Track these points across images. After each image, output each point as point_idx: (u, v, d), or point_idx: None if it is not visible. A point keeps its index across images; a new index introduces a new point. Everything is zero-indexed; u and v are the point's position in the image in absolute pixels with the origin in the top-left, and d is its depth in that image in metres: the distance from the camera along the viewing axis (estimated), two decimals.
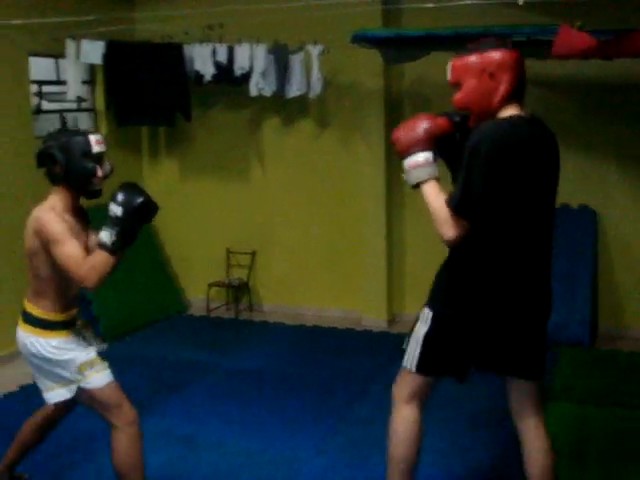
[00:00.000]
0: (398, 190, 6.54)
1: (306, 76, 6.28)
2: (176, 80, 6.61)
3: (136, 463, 3.32)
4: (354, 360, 5.75)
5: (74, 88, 6.39)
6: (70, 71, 6.34)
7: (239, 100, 6.76)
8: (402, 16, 6.18)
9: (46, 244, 3.12)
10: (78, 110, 7.04)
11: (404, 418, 3.02)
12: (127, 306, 6.69)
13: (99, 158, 3.22)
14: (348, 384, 5.24)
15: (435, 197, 2.82)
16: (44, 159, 3.19)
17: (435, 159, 2.87)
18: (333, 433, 4.44)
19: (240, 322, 6.91)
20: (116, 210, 3.08)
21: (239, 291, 7.18)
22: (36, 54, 6.28)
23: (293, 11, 5.70)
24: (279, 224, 7.03)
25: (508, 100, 2.76)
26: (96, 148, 3.18)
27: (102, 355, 3.35)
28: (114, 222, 3.08)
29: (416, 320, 3.01)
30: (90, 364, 3.28)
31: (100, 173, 3.21)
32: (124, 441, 3.29)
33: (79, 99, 6.80)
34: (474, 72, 2.75)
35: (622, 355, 5.70)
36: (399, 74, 6.43)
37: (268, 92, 6.34)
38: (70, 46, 6.22)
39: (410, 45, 5.33)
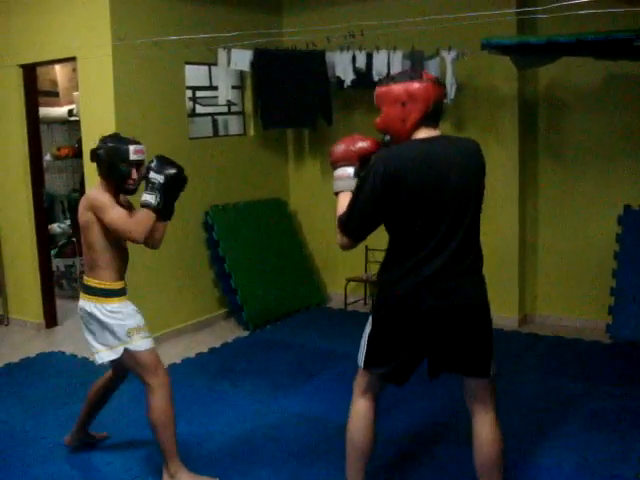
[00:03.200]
0: (532, 192, 6.67)
1: (441, 81, 6.48)
2: (318, 85, 6.96)
3: (168, 419, 3.82)
4: None
5: (225, 93, 6.81)
6: (221, 77, 6.76)
7: None
8: (537, 24, 6.27)
9: (97, 213, 3.69)
10: (228, 113, 7.51)
11: (357, 410, 3.36)
12: (270, 297, 7.10)
13: (137, 164, 3.80)
14: None
15: (341, 208, 3.19)
16: (94, 157, 3.82)
17: (356, 175, 3.24)
18: (454, 423, 4.67)
19: None
20: (158, 177, 3.74)
21: (376, 287, 7.44)
22: (191, 62, 6.76)
23: (429, 22, 5.95)
24: None
25: (419, 125, 3.08)
26: (133, 157, 3.77)
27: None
28: (156, 187, 3.74)
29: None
30: (137, 329, 3.81)
31: (135, 175, 3.79)
32: (158, 399, 3.79)
33: (229, 103, 7.24)
34: (390, 100, 3.10)
35: None
36: (533, 78, 6.51)
37: None
38: (221, 54, 6.66)
39: (536, 52, 5.45)
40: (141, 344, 3.81)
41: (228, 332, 6.72)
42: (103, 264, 3.80)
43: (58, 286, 7.92)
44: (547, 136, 6.60)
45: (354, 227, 3.12)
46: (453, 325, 3.14)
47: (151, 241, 3.96)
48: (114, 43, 5.89)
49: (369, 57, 6.59)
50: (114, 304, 3.81)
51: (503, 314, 6.72)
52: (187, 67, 6.71)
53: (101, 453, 4.38)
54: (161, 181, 3.74)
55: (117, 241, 3.83)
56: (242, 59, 6.73)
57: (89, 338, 3.90)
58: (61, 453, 4.37)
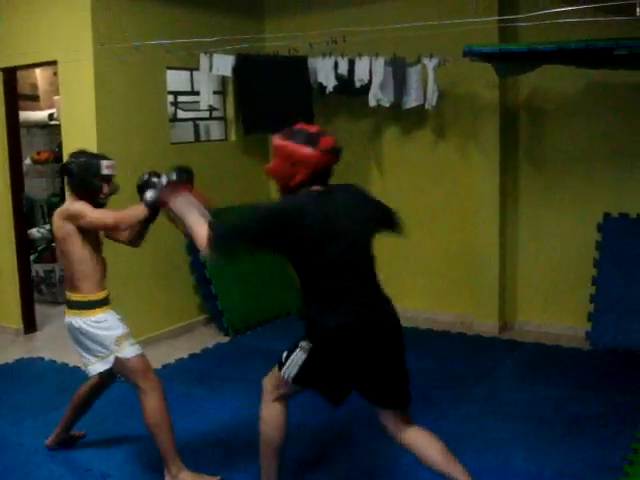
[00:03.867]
0: (512, 199, 6.69)
1: (423, 88, 6.51)
2: (300, 91, 6.94)
3: (163, 420, 3.87)
4: (462, 362, 5.96)
5: (207, 98, 6.80)
6: (203, 82, 6.74)
7: (359, 110, 7.06)
8: (518, 32, 6.30)
9: (75, 221, 3.76)
10: (210, 119, 7.50)
11: (271, 413, 3.50)
12: (250, 303, 7.08)
13: (107, 179, 3.91)
14: (454, 384, 5.44)
15: (198, 229, 3.26)
16: (65, 172, 3.93)
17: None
18: (435, 428, 4.67)
19: None
20: (162, 180, 3.80)
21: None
22: (173, 67, 6.74)
23: (411, 29, 5.97)
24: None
25: (304, 185, 3.22)
26: (105, 171, 3.88)
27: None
28: (157, 187, 3.78)
29: (301, 339, 3.38)
30: (125, 336, 3.88)
31: (106, 190, 3.91)
32: (152, 402, 3.85)
33: (211, 108, 7.24)
34: (282, 156, 3.25)
35: None
36: (514, 85, 6.54)
37: (386, 103, 6.60)
38: (203, 59, 6.65)
39: (517, 60, 5.49)
40: (130, 351, 3.88)
41: (208, 338, 6.70)
42: (83, 276, 3.85)
43: (37, 291, 7.86)
44: (528, 144, 6.63)
45: (231, 246, 3.25)
46: (393, 340, 3.34)
47: (135, 238, 4.11)
48: (95, 47, 5.86)
49: (351, 63, 6.61)
50: (99, 315, 3.86)
51: (483, 321, 6.75)
52: (169, 72, 6.70)
53: (80, 457, 4.36)
54: (163, 183, 3.77)
55: (95, 251, 3.90)
56: (224, 64, 6.73)
57: (80, 351, 3.94)
58: (40, 459, 4.34)
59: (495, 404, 5.02)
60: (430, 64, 6.38)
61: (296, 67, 6.90)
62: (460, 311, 7.03)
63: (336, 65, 6.67)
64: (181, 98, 7.31)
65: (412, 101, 6.59)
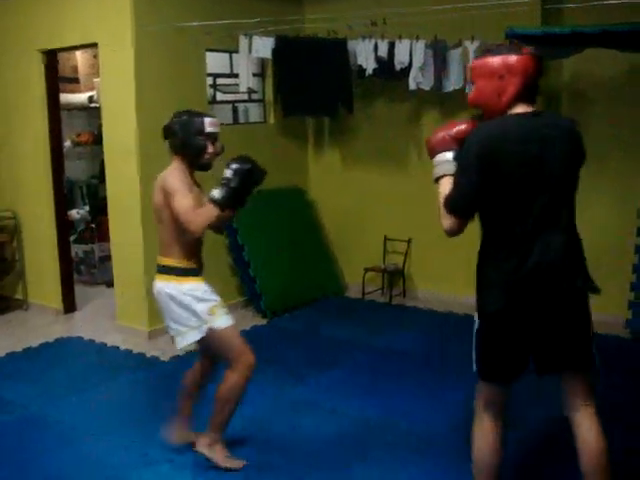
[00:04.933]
0: None
1: (463, 71, 6.44)
2: (340, 74, 6.92)
3: (235, 397, 3.80)
4: None
5: (246, 80, 6.80)
6: (242, 65, 6.75)
7: (399, 94, 7.00)
8: (562, 14, 6.22)
9: (167, 196, 3.66)
10: (249, 101, 7.50)
11: (479, 427, 3.14)
12: (288, 285, 7.09)
13: (212, 137, 3.78)
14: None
15: (444, 191, 3.07)
16: (167, 132, 3.83)
17: (456, 158, 3.07)
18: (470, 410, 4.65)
19: (392, 307, 7.16)
20: (227, 174, 3.64)
21: (394, 277, 7.45)
22: (212, 49, 6.75)
23: (453, 11, 5.91)
24: (435, 214, 7.22)
25: (516, 100, 2.94)
26: (209, 128, 3.75)
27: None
28: (224, 183, 3.63)
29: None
30: (220, 305, 3.79)
31: (211, 149, 3.78)
32: (236, 376, 3.75)
33: (250, 91, 7.23)
34: (486, 73, 2.96)
35: None
36: (557, 69, 6.45)
37: (426, 86, 6.55)
38: (243, 42, 6.66)
39: (560, 43, 5.39)
40: (225, 320, 3.79)
41: (246, 320, 6.72)
42: (177, 243, 3.75)
43: (77, 272, 7.94)
44: None
45: (460, 205, 2.98)
46: (560, 309, 3.02)
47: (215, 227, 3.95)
48: (135, 29, 5.88)
49: (391, 46, 6.56)
50: (192, 283, 3.78)
51: None
52: (208, 54, 6.70)
53: (121, 436, 4.40)
54: (229, 176, 3.63)
55: None
56: (263, 47, 6.72)
57: (169, 321, 3.84)
58: (79, 437, 4.40)
59: (535, 392, 4.98)
60: (471, 47, 6.29)
61: (335, 50, 6.87)
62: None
63: (376, 48, 6.63)
64: (220, 80, 7.32)
65: (452, 85, 6.52)
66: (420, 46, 6.44)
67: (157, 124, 6.09)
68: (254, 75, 7.04)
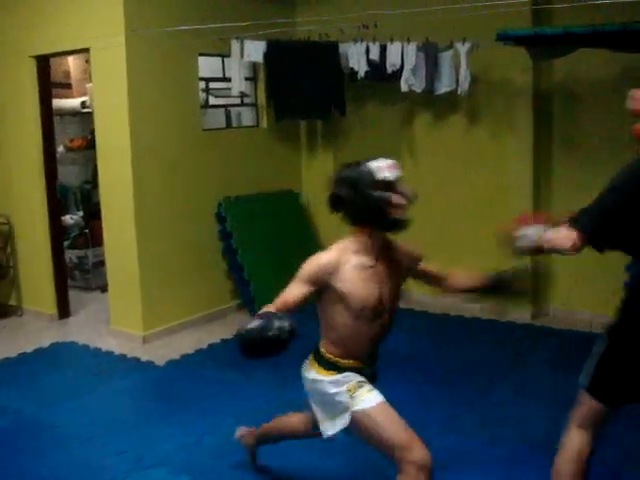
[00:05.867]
0: (545, 183, 6.63)
1: (455, 73, 6.46)
2: (332, 77, 6.94)
3: None
4: (493, 349, 5.93)
5: (238, 84, 6.80)
6: (234, 69, 6.75)
7: (391, 96, 7.02)
8: (553, 15, 6.24)
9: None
10: (241, 105, 7.50)
11: (570, 440, 2.92)
12: (283, 288, 7.05)
13: (393, 185, 2.97)
14: (484, 371, 5.42)
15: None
16: (336, 202, 3.07)
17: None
18: (465, 413, 4.67)
19: None
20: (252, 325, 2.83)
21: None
22: (204, 54, 6.75)
23: (444, 12, 5.93)
24: (428, 216, 7.23)
25: None
26: (384, 174, 2.98)
27: None
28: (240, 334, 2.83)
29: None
30: (359, 385, 3.02)
31: (396, 200, 2.93)
32: None
33: (242, 95, 7.22)
34: None
35: None
36: (548, 70, 6.47)
37: (418, 88, 6.56)
38: (235, 46, 6.66)
39: (552, 43, 5.42)
40: (370, 398, 2.98)
41: (241, 323, 6.71)
42: (333, 334, 3.12)
43: (70, 277, 7.93)
44: (562, 128, 6.56)
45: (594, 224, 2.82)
46: None
47: None
48: (127, 34, 5.89)
49: (383, 49, 6.58)
50: (333, 377, 3.07)
51: (515, 307, 6.68)
52: (200, 58, 6.70)
53: (115, 440, 4.40)
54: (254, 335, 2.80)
55: (360, 318, 3.00)
56: (255, 50, 6.73)
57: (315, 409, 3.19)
58: (73, 442, 4.39)
59: (527, 391, 4.99)
60: (463, 49, 6.32)
61: (327, 53, 6.89)
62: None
63: (367, 50, 6.65)
64: (213, 84, 7.32)
65: (444, 86, 6.54)
66: (411, 48, 6.46)
67: (150, 129, 6.17)
68: (246, 79, 7.04)
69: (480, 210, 6.96)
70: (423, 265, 3.29)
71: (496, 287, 3.26)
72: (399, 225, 2.95)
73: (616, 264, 6.27)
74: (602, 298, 6.45)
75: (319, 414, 3.12)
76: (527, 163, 6.55)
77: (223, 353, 5.98)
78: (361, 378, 3.05)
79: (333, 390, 3.03)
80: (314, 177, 7.83)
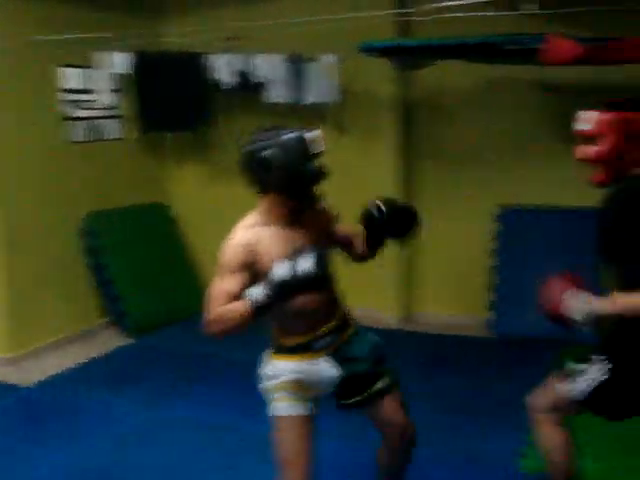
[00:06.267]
0: (411, 192, 6.78)
1: (321, 84, 6.54)
2: (199, 89, 6.90)
3: None
4: None
5: (103, 97, 6.72)
6: (99, 81, 6.66)
7: (258, 108, 7.01)
8: (415, 27, 6.38)
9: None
10: (107, 117, 7.34)
11: (556, 439, 3.02)
12: (154, 303, 6.98)
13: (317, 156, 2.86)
14: None
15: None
16: (258, 165, 2.85)
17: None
18: (336, 419, 4.71)
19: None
20: (281, 273, 2.61)
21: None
22: (68, 65, 6.56)
23: (309, 24, 5.99)
24: None
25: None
26: (315, 148, 2.84)
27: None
28: (271, 283, 2.62)
29: (587, 362, 2.86)
30: (284, 388, 2.94)
31: (323, 177, 2.88)
32: None
33: (108, 107, 7.09)
34: (618, 129, 2.73)
35: None
36: (413, 81, 6.64)
37: (285, 99, 6.63)
38: (100, 57, 6.56)
39: (413, 54, 5.58)
40: (282, 406, 2.94)
41: (111, 341, 6.58)
42: (274, 318, 2.99)
43: None
44: (426, 138, 6.74)
45: None
46: None
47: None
48: None
49: (249, 60, 6.60)
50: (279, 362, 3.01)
51: (385, 313, 6.82)
52: (64, 70, 6.53)
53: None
54: (283, 279, 2.60)
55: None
56: (121, 62, 6.65)
57: None
58: None
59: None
60: (328, 60, 6.42)
61: (194, 64, 6.84)
62: (361, 304, 7.05)
63: (234, 62, 6.65)
64: (77, 96, 7.14)
65: (311, 98, 6.61)
66: (278, 60, 6.51)
67: (10, 142, 5.96)
68: (112, 91, 6.94)
69: (347, 217, 7.03)
70: (338, 228, 3.22)
71: (371, 223, 3.17)
72: (314, 198, 2.94)
73: (480, 268, 6.52)
74: (470, 301, 6.69)
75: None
76: (393, 171, 6.71)
77: (94, 372, 5.84)
78: (296, 377, 2.93)
79: (268, 372, 3.02)
80: (183, 189, 7.76)
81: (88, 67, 6.76)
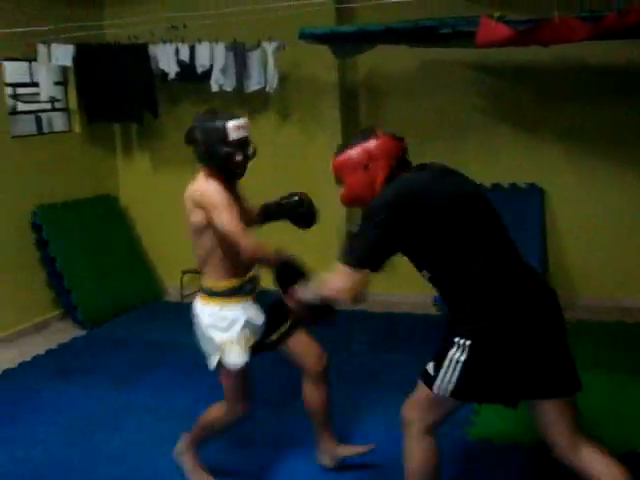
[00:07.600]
0: None
1: (264, 71, 6.63)
2: (142, 79, 6.94)
3: (212, 431, 3.75)
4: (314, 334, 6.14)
5: (47, 89, 6.70)
6: (43, 73, 6.63)
7: (203, 96, 7.05)
8: (356, 14, 6.54)
9: (205, 212, 3.33)
10: (52, 110, 7.36)
11: (423, 449, 2.94)
12: (106, 294, 7.01)
13: (240, 144, 3.39)
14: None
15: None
16: (189, 138, 3.41)
17: None
18: (281, 394, 4.82)
19: None
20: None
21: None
22: (10, 58, 6.59)
23: (250, 12, 6.07)
24: None
25: (388, 181, 2.90)
26: (234, 135, 3.35)
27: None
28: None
29: (444, 348, 2.81)
30: (238, 341, 3.44)
31: (238, 158, 3.39)
32: (216, 416, 3.65)
33: (52, 99, 7.10)
34: (350, 168, 2.93)
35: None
36: (353, 66, 6.78)
37: (228, 87, 6.69)
38: (42, 50, 6.53)
39: (351, 41, 5.70)
40: (235, 357, 3.44)
41: (65, 333, 6.60)
42: (212, 262, 3.44)
43: None
44: (368, 121, 6.86)
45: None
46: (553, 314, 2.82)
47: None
48: None
49: (192, 49, 6.65)
50: (214, 306, 3.46)
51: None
52: (6, 63, 6.53)
53: None
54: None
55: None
56: (63, 54, 6.63)
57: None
58: None
59: (345, 373, 5.17)
60: (270, 48, 6.51)
61: (137, 55, 6.87)
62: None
63: (177, 51, 6.70)
64: (21, 90, 7.15)
65: (254, 85, 6.69)
66: (220, 49, 6.57)
67: None
68: (56, 83, 6.93)
69: None
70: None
71: (269, 213, 3.85)
72: (235, 176, 3.46)
73: None
74: (415, 279, 6.81)
75: (203, 348, 3.54)
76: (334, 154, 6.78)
77: (49, 364, 5.87)
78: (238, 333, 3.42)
79: (209, 321, 3.45)
80: (132, 180, 7.79)
81: (32, 60, 6.76)
